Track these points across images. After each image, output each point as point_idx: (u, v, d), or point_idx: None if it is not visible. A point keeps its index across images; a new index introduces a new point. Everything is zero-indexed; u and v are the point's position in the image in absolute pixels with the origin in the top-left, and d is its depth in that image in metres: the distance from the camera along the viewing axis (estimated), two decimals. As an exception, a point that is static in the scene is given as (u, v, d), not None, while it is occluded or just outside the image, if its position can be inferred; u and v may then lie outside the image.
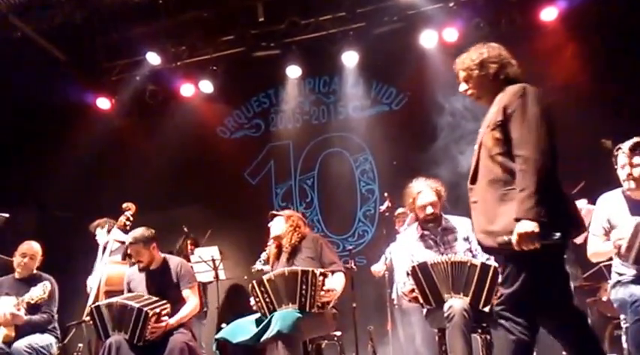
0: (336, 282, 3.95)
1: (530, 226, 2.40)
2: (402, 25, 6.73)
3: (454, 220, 4.05)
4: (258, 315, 3.89)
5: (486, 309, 3.41)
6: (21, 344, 4.42)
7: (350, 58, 6.91)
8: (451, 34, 6.54)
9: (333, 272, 3.98)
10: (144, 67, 7.37)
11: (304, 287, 3.72)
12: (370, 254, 6.22)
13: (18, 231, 5.72)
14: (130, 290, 4.42)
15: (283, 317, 3.61)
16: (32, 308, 4.60)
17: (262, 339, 3.59)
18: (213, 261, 6.10)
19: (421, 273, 3.65)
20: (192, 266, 5.44)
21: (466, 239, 3.94)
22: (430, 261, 3.66)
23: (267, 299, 3.82)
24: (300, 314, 3.65)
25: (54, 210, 7.34)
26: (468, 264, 3.55)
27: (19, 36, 6.99)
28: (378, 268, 5.49)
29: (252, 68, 7.28)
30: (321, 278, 3.72)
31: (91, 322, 4.22)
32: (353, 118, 7.30)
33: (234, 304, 6.46)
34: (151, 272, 4.42)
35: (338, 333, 4.12)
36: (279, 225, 4.23)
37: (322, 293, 3.74)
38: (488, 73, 2.78)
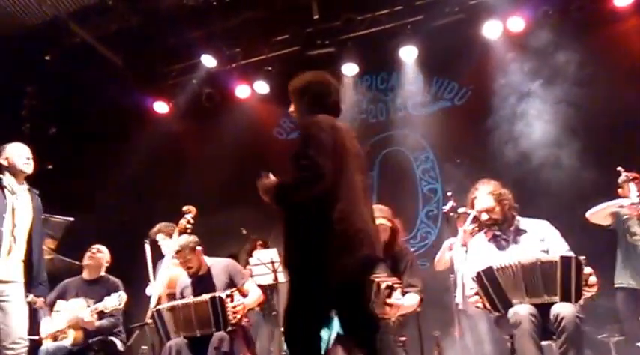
0: (406, 300, 3.80)
1: None
2: (463, 17, 6.49)
3: (528, 222, 3.85)
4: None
5: (581, 302, 3.27)
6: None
7: (409, 53, 6.71)
8: (517, 24, 6.28)
9: (410, 286, 3.86)
10: (200, 69, 7.41)
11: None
12: (434, 256, 5.94)
13: (80, 235, 5.81)
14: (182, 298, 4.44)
15: None
16: (100, 312, 4.67)
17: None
18: (272, 263, 6.02)
19: (487, 279, 3.50)
20: (251, 269, 5.41)
21: (542, 240, 3.73)
22: (496, 266, 3.49)
23: None
24: None
25: (113, 215, 7.43)
26: (538, 263, 3.39)
27: (78, 42, 7.14)
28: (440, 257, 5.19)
29: (307, 67, 7.07)
30: (387, 291, 3.54)
31: (153, 325, 4.23)
32: (413, 115, 7.06)
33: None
34: (199, 277, 4.41)
35: (403, 338, 3.99)
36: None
37: (386, 306, 3.57)
38: (306, 100, 2.90)
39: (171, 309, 4.22)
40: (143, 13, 7.05)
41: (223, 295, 4.12)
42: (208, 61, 7.16)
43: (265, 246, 6.52)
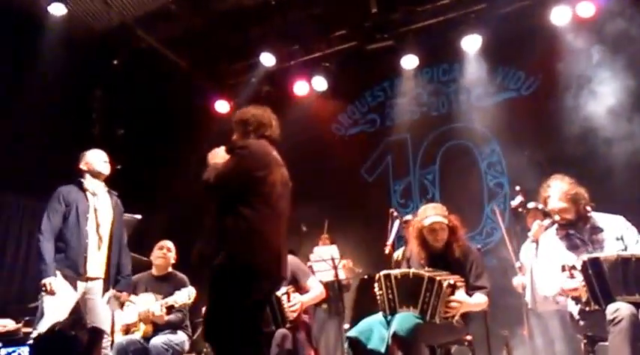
0: (472, 299, 3.66)
1: None
2: (529, 2, 6.23)
3: (604, 218, 3.65)
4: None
5: None
6: (158, 340, 4.60)
7: (472, 43, 6.50)
8: (587, 9, 5.96)
9: (477, 288, 3.71)
10: (259, 68, 7.47)
11: (427, 294, 3.51)
12: (500, 253, 5.74)
13: (149, 232, 5.98)
14: None
15: (402, 319, 3.49)
16: (170, 307, 4.78)
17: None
18: (333, 259, 5.99)
19: (592, 269, 3.29)
20: (311, 266, 5.40)
21: (619, 238, 3.54)
22: (602, 256, 3.31)
23: (390, 296, 3.66)
24: (419, 320, 3.49)
25: (177, 212, 7.61)
26: (633, 259, 3.20)
27: (144, 46, 7.36)
28: (518, 281, 4.99)
29: (365, 61, 7.09)
30: (448, 289, 3.47)
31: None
32: (477, 107, 6.83)
33: (356, 302, 6.27)
34: None
35: (469, 338, 3.85)
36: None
37: (448, 306, 3.49)
38: (246, 130, 3.30)
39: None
40: (204, 15, 7.18)
41: (279, 293, 4.10)
42: (267, 59, 7.21)
43: (332, 242, 6.50)
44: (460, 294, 3.55)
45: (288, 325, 4.04)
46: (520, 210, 4.73)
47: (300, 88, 7.47)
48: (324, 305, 6.09)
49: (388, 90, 7.44)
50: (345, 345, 3.82)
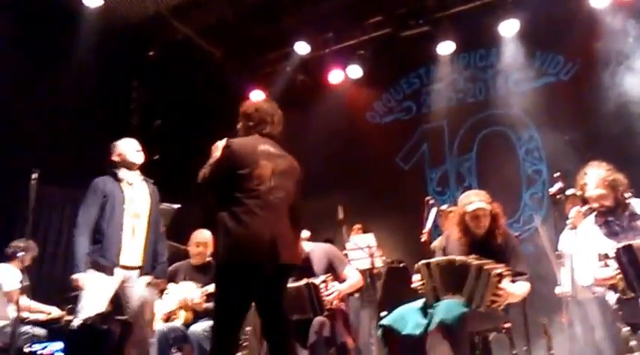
0: (517, 288, 3.62)
1: None
2: (568, -15, 6.04)
3: None
4: (421, 303, 3.71)
5: None
6: (198, 327, 4.63)
7: (509, 27, 6.37)
8: (628, -11, 5.75)
9: (518, 274, 3.67)
10: (293, 57, 7.47)
11: (475, 283, 3.47)
12: (538, 241, 5.64)
13: (186, 221, 6.08)
14: None
15: (447, 307, 3.44)
16: (209, 295, 4.82)
17: (428, 330, 3.44)
18: (369, 247, 5.99)
19: (625, 257, 3.27)
20: (347, 254, 5.41)
21: None
22: (635, 244, 3.27)
23: (433, 284, 3.63)
24: (465, 308, 3.44)
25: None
26: None
27: (179, 36, 7.45)
28: (562, 290, 4.88)
29: (400, 48, 7.03)
30: (496, 278, 3.44)
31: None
32: (514, 93, 6.69)
33: (391, 291, 6.27)
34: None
35: (507, 325, 3.81)
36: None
37: (495, 295, 3.46)
38: (247, 124, 3.48)
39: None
40: (238, 4, 7.21)
41: (317, 281, 4.14)
42: (302, 47, 7.21)
43: (364, 230, 6.52)
44: (507, 283, 3.51)
45: (325, 313, 4.07)
46: (559, 196, 4.63)
47: (335, 76, 7.46)
48: (357, 294, 6.11)
49: (424, 76, 7.36)
50: (378, 333, 3.81)
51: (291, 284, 4.21)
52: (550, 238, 4.76)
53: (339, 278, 4.33)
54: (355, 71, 7.28)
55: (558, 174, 4.63)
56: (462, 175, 6.86)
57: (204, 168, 3.32)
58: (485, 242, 3.74)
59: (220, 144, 3.42)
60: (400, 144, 7.33)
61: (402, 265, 6.58)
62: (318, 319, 4.02)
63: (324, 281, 4.14)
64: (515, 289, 3.58)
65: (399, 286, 6.36)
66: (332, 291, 4.12)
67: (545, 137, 6.39)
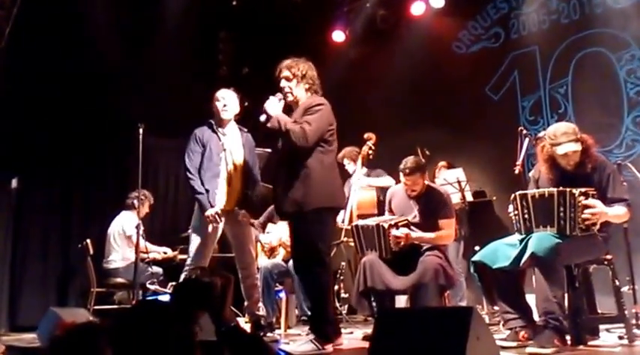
0: (613, 209, 3.54)
1: None
2: None
3: None
4: (514, 238, 3.71)
5: None
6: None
7: (606, -63, 5.79)
8: None
9: (616, 200, 3.58)
10: (372, -9, 7.32)
11: (562, 209, 3.45)
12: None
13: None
14: (390, 210, 4.65)
15: (539, 239, 3.43)
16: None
17: (521, 263, 3.47)
18: (459, 182, 5.97)
19: None
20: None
21: None
22: None
23: (527, 216, 3.62)
24: (558, 239, 3.42)
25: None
26: None
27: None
28: None
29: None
30: (581, 197, 3.39)
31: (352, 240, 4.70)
32: (614, 10, 6.12)
33: (483, 226, 6.23)
34: (419, 199, 4.49)
35: (609, 257, 3.73)
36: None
37: (584, 214, 3.41)
38: (311, 87, 3.97)
39: (362, 228, 4.46)
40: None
41: (386, 225, 4.26)
42: (380, -19, 7.03)
43: (450, 166, 6.46)
44: (595, 201, 3.45)
45: (389, 256, 4.27)
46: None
47: (417, 7, 7.22)
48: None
49: (512, 0, 6.95)
50: (471, 269, 3.87)
51: (365, 222, 4.43)
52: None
53: (435, 226, 4.37)
54: (438, 1, 7.01)
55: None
56: (557, 101, 6.52)
57: (295, 134, 3.67)
58: (575, 174, 3.64)
59: (275, 101, 3.82)
60: (489, 73, 7.03)
61: (489, 199, 6.52)
62: (432, 265, 4.12)
63: (394, 225, 4.27)
64: (610, 210, 3.50)
65: (485, 219, 6.34)
66: (399, 235, 4.24)
67: (649, 56, 5.89)
